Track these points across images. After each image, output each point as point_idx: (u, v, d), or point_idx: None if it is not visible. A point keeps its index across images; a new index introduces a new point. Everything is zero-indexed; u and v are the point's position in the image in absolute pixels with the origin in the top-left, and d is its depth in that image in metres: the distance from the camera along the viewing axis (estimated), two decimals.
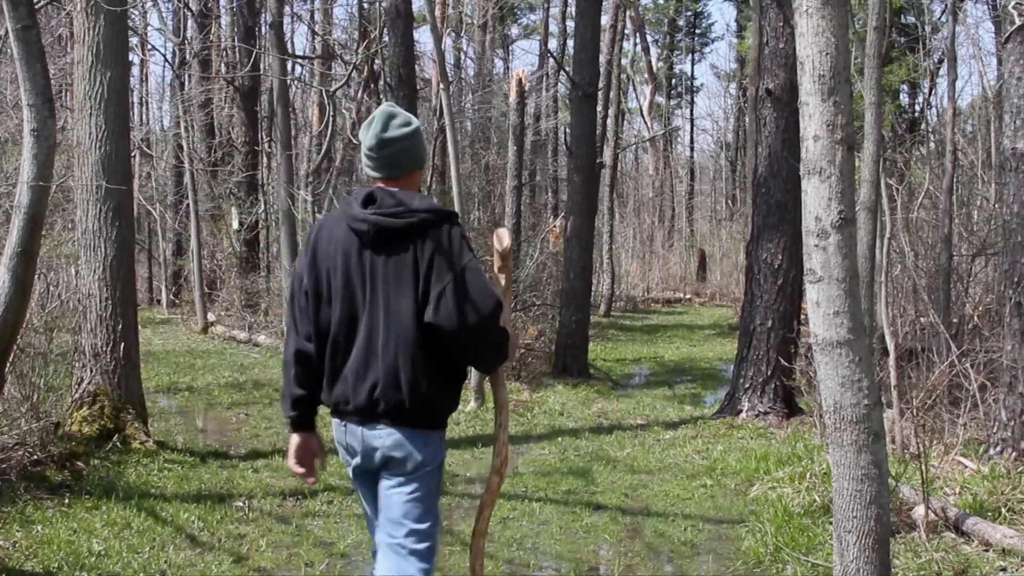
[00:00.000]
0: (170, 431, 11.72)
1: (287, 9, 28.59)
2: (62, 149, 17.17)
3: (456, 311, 4.48)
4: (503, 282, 5.07)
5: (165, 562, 7.18)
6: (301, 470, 4.98)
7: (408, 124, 4.82)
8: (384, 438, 4.63)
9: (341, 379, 4.69)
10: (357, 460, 4.77)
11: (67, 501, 8.40)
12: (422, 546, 4.66)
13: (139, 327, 11.30)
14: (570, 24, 33.17)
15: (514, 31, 53.92)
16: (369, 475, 4.79)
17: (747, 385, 13.36)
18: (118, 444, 10.09)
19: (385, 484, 4.72)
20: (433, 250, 4.56)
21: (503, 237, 5.00)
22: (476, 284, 4.54)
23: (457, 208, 12.17)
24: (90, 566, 6.97)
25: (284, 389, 4.91)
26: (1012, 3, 9.23)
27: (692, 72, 67.57)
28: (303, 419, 4.93)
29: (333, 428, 4.84)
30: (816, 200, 4.66)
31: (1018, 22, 9.10)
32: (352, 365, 4.65)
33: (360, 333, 4.64)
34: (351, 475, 4.92)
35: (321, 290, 4.72)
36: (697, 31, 61.95)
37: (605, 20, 26.49)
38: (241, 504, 8.74)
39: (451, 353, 4.64)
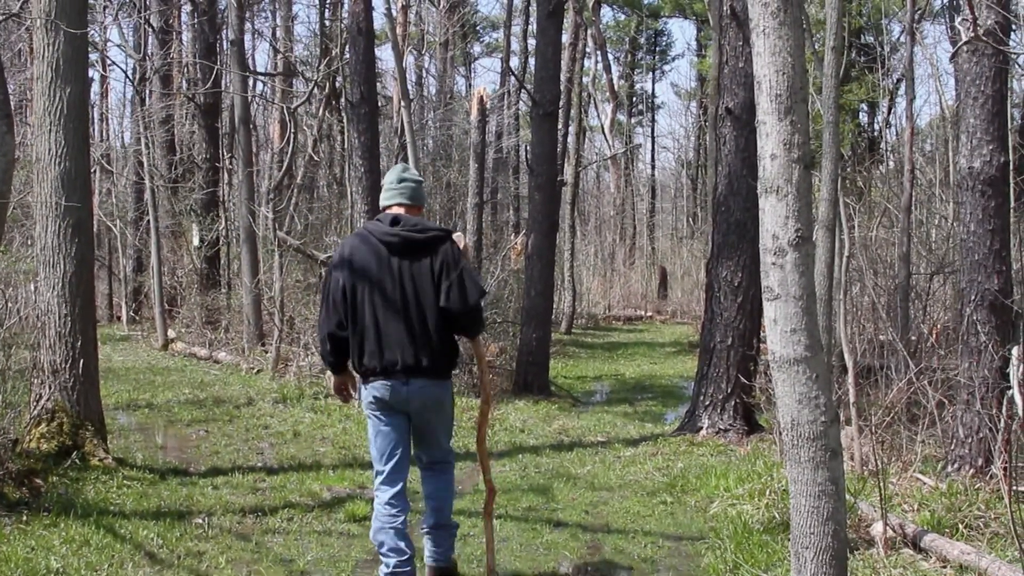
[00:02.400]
0: (129, 448, 11.66)
1: (248, 26, 28.61)
2: (21, 165, 17.10)
3: (459, 297, 6.76)
4: None
5: None
6: (342, 396, 7.33)
7: (419, 175, 7.32)
8: (426, 388, 6.82)
9: (389, 349, 6.76)
10: (396, 406, 6.84)
11: (25, 518, 8.35)
12: (448, 453, 7.24)
13: (98, 344, 11.23)
14: (531, 42, 33.28)
15: (476, 49, 54.07)
16: (402, 416, 6.91)
17: (707, 402, 13.41)
18: (77, 461, 10.02)
19: (424, 422, 6.98)
20: (442, 257, 6.82)
21: (459, 239, 7.04)
22: (470, 280, 6.86)
23: None
24: None
25: (323, 354, 7.17)
26: (959, 19, 9.33)
27: (653, 90, 68.15)
28: (340, 367, 7.12)
29: (373, 387, 6.84)
30: (773, 218, 4.69)
31: (965, 36, 9.19)
32: (397, 339, 6.76)
33: (397, 317, 6.77)
34: (380, 420, 6.91)
35: (356, 287, 6.80)
36: (658, 49, 62.20)
37: (566, 38, 26.55)
38: (200, 521, 8.70)
39: (452, 325, 6.88)
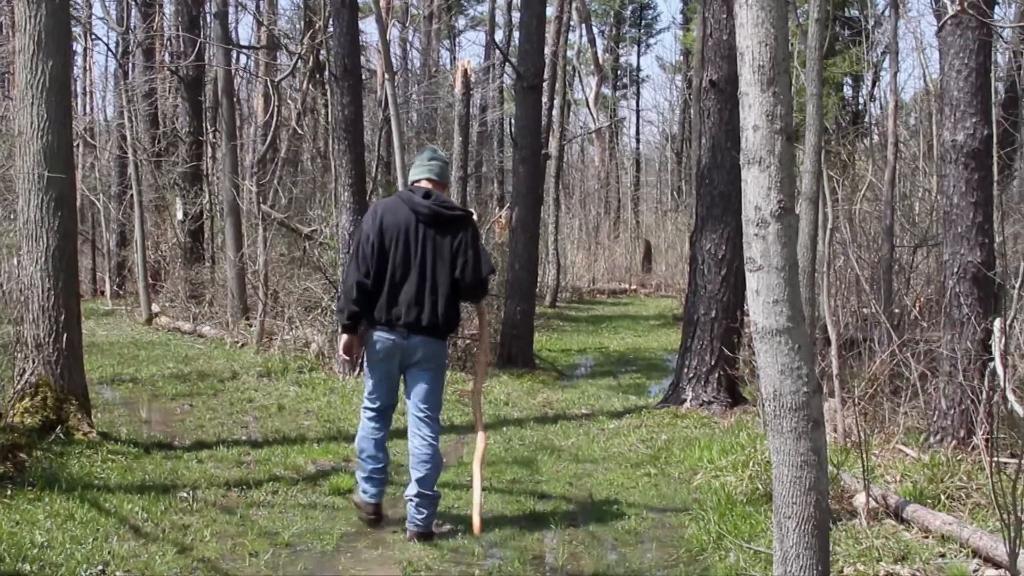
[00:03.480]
0: (114, 422, 11.64)
1: None
2: (4, 138, 17.02)
3: (473, 272, 7.75)
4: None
5: (108, 553, 7.13)
6: (348, 358, 8.11)
7: (447, 157, 8.40)
8: (424, 344, 7.75)
9: (398, 304, 7.68)
10: (395, 356, 7.78)
11: (9, 493, 8.32)
12: (437, 412, 7.96)
13: (82, 318, 11.19)
14: (516, 15, 33.16)
15: (460, 22, 53.90)
16: (396, 367, 7.85)
17: (691, 375, 13.44)
18: (61, 435, 9.99)
19: (419, 374, 7.84)
20: (463, 234, 7.78)
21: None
22: (484, 257, 7.85)
23: None
24: (33, 557, 6.92)
25: (343, 305, 7.87)
26: None
27: (638, 64, 68.18)
28: (353, 326, 7.87)
29: (378, 336, 7.77)
30: (756, 189, 4.69)
31: (951, 10, 9.18)
32: (406, 297, 7.67)
33: (412, 277, 7.67)
34: (380, 366, 7.86)
35: (385, 245, 7.68)
36: (643, 22, 62.14)
37: (551, 11, 26.52)
38: (185, 495, 8.69)
39: (460, 293, 7.84)
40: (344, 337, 7.99)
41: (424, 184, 7.97)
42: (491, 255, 21.50)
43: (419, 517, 7.73)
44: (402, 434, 8.20)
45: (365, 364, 8.06)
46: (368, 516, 8.04)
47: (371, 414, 8.01)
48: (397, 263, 7.69)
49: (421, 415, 7.86)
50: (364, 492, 8.06)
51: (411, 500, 7.76)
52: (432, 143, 28.63)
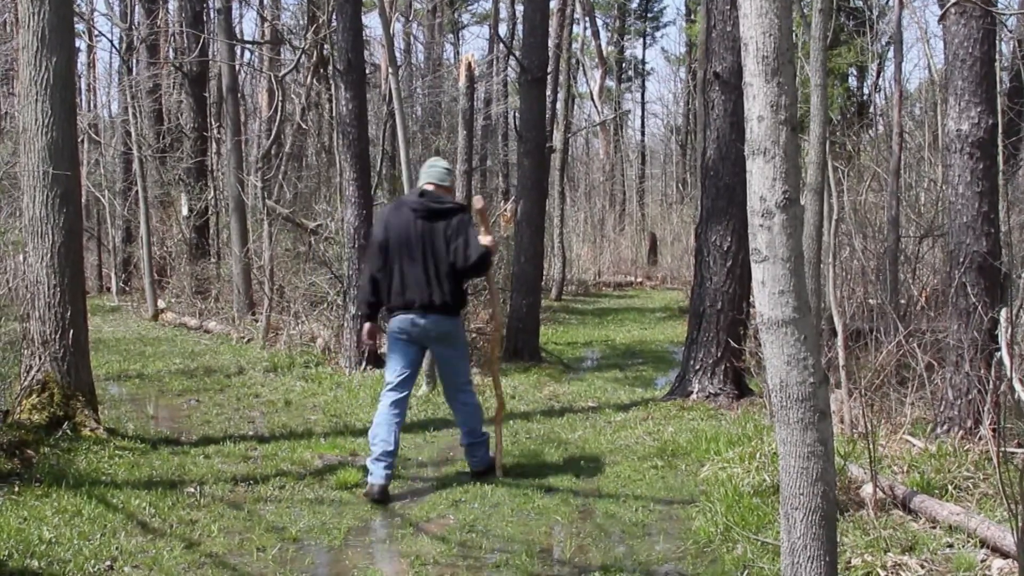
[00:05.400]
0: (121, 418, 11.66)
1: None
2: (8, 135, 17.02)
3: (463, 255, 8.94)
4: (484, 229, 9.21)
5: (116, 548, 7.15)
6: (371, 342, 9.59)
7: (447, 164, 9.51)
8: (438, 322, 9.03)
9: (409, 289, 8.96)
10: (414, 335, 9.05)
11: (17, 489, 8.34)
12: (467, 381, 9.47)
13: (88, 314, 11.20)
14: (520, 8, 33.08)
15: (464, 16, 53.80)
16: (416, 344, 9.17)
17: (697, 367, 13.41)
18: (68, 432, 10.01)
19: (441, 350, 9.30)
20: (455, 223, 9.03)
21: (477, 202, 9.44)
22: (473, 242, 8.97)
23: (407, 191, 12.19)
24: (40, 553, 6.94)
25: (362, 297, 9.59)
26: None
27: (643, 56, 67.91)
28: (372, 314, 9.38)
29: (397, 319, 9.06)
30: (761, 180, 4.68)
31: None
32: (416, 282, 8.95)
33: (417, 264, 8.95)
34: (399, 344, 9.12)
35: (390, 242, 9.05)
36: (648, 15, 61.98)
37: (554, 4, 26.47)
38: (192, 490, 8.71)
39: (461, 273, 9.05)
40: (367, 324, 9.44)
41: (426, 187, 9.30)
42: (496, 247, 21.65)
43: (475, 458, 9.54)
44: (414, 427, 8.23)
45: (387, 350, 9.33)
46: (375, 497, 8.72)
47: (391, 395, 9.12)
48: (403, 255, 9.00)
49: (455, 387, 9.40)
50: (371, 474, 8.84)
51: (465, 447, 9.57)
52: (436, 137, 28.67)
